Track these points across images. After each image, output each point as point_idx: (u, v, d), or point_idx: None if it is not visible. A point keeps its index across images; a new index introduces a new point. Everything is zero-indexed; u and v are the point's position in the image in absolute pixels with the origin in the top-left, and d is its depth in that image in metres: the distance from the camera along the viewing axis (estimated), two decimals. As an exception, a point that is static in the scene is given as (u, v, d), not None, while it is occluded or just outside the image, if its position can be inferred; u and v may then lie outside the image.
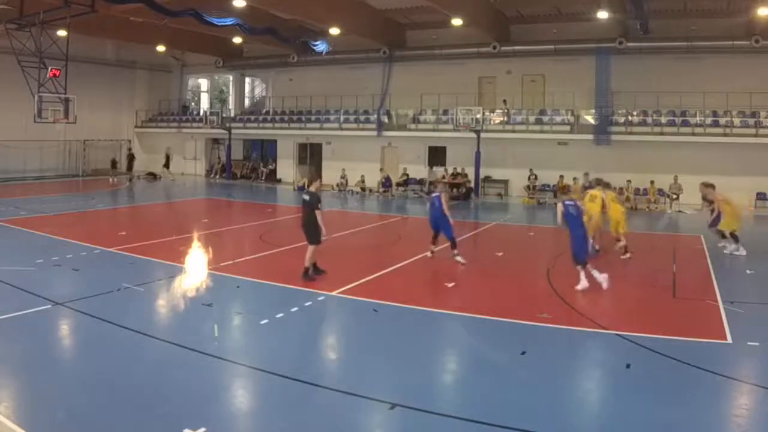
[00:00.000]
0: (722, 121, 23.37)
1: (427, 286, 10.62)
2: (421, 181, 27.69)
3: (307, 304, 9.10)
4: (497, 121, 26.88)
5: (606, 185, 13.19)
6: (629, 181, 23.27)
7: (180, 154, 35.63)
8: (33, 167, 30.00)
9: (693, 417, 5.71)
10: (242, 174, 33.27)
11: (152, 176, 32.50)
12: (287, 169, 31.94)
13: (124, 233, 14.98)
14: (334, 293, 9.63)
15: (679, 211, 21.91)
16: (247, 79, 39.35)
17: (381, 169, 27.87)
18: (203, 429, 5.10)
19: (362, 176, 27.66)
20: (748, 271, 12.03)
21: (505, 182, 26.91)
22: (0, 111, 27.54)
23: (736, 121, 23.21)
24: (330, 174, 29.90)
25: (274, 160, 32.87)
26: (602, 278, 10.00)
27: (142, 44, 31.04)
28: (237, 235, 16.08)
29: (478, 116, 25.07)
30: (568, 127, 25.67)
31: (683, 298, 10.01)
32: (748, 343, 7.58)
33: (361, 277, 10.73)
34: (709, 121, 23.49)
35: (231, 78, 39.35)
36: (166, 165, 31.82)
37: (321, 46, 28.26)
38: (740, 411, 5.94)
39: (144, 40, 29.70)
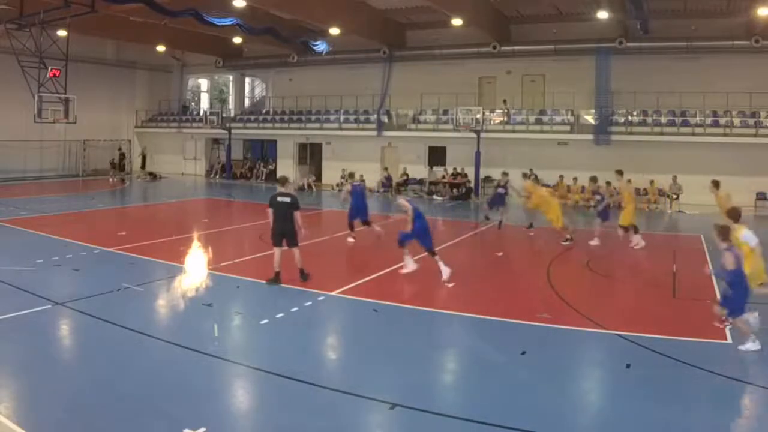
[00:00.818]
0: (722, 121, 23.37)
1: (427, 286, 10.61)
2: (421, 181, 27.70)
3: (307, 304, 9.10)
4: (497, 121, 26.88)
5: (536, 179, 15.45)
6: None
7: (179, 154, 35.67)
8: (33, 167, 29.98)
9: (693, 417, 5.71)
10: (242, 174, 33.28)
11: (152, 176, 32.51)
12: (287, 169, 31.91)
13: (124, 233, 14.98)
14: (334, 293, 9.63)
15: (679, 211, 21.91)
16: (247, 79, 39.35)
17: (385, 168, 27.86)
18: (203, 429, 5.11)
19: (361, 176, 27.60)
20: (747, 271, 11.99)
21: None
22: (0, 111, 27.52)
23: (736, 121, 23.21)
24: (330, 174, 29.96)
25: (274, 160, 32.87)
26: (445, 270, 10.52)
27: (142, 44, 31.03)
28: (237, 235, 16.07)
29: (478, 116, 25.07)
30: (568, 127, 25.66)
31: (683, 298, 10.01)
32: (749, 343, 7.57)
33: (361, 277, 10.73)
34: (709, 121, 23.48)
35: (231, 78, 39.35)
36: (142, 165, 31.17)
37: (321, 46, 28.26)
38: (740, 411, 5.94)
39: (144, 40, 29.68)
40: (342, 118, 30.30)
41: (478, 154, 25.82)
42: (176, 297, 9.56)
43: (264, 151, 34.82)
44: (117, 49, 34.21)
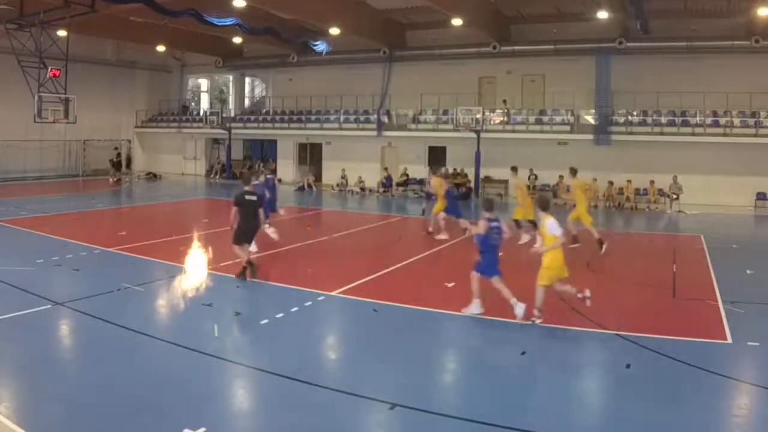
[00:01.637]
0: (722, 121, 23.37)
1: (427, 286, 10.61)
2: (421, 181, 27.69)
3: (307, 304, 9.10)
4: (497, 121, 26.87)
5: (445, 176, 16.10)
6: (629, 181, 23.26)
7: (179, 154, 35.68)
8: (33, 167, 29.97)
9: (693, 417, 5.71)
10: (242, 174, 33.23)
11: (152, 176, 32.51)
12: (287, 169, 31.93)
13: (124, 233, 14.98)
14: (334, 293, 9.62)
15: (679, 211, 21.91)
16: (247, 79, 39.35)
17: (385, 168, 27.87)
18: (203, 429, 5.10)
19: (359, 177, 27.71)
20: (748, 271, 12.02)
21: (505, 182, 26.83)
22: (0, 111, 27.52)
23: (736, 121, 23.21)
24: (330, 174, 29.96)
25: (274, 160, 32.84)
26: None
27: (142, 44, 31.05)
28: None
29: (478, 116, 25.07)
30: (568, 127, 25.66)
31: (683, 298, 10.01)
32: (748, 343, 7.58)
33: (361, 277, 10.72)
34: (709, 121, 23.48)
35: (231, 78, 39.35)
36: (120, 165, 30.61)
37: (321, 46, 28.26)
38: (740, 411, 5.95)
39: (144, 40, 29.70)
40: (342, 118, 30.31)
41: (478, 154, 25.82)
42: (176, 297, 9.56)
43: (264, 151, 34.82)
44: (117, 49, 34.21)
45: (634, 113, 24.91)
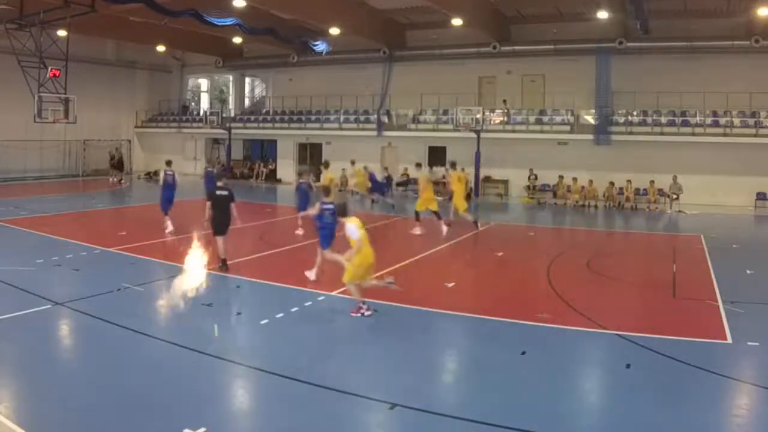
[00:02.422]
0: (722, 121, 23.37)
1: (427, 286, 10.61)
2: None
3: (307, 304, 9.11)
4: (497, 121, 26.87)
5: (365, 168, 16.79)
6: (629, 181, 23.25)
7: (179, 154, 35.63)
8: (33, 167, 29.97)
9: (693, 417, 5.71)
10: (242, 174, 33.27)
11: (150, 176, 32.50)
12: (287, 169, 31.93)
13: (124, 233, 14.98)
14: (334, 293, 9.62)
15: (679, 211, 21.91)
16: (247, 79, 39.33)
17: (385, 168, 27.83)
18: (203, 429, 5.10)
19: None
20: (748, 271, 12.03)
21: (505, 182, 26.91)
22: (0, 111, 27.52)
23: (736, 121, 23.21)
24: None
25: (274, 160, 32.87)
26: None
27: (142, 44, 31.04)
28: (237, 235, 15.98)
29: (478, 116, 25.07)
30: (568, 127, 25.66)
31: (683, 298, 10.01)
32: (748, 343, 7.58)
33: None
34: (709, 121, 23.48)
35: (231, 78, 39.33)
36: (118, 166, 30.13)
37: (321, 46, 28.25)
38: (740, 411, 5.94)
39: (144, 40, 29.69)
40: (342, 118, 30.31)
41: (478, 154, 25.82)
42: (176, 297, 9.56)
43: (264, 151, 34.81)
44: (117, 49, 34.21)
45: (634, 113, 24.92)
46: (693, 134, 23.30)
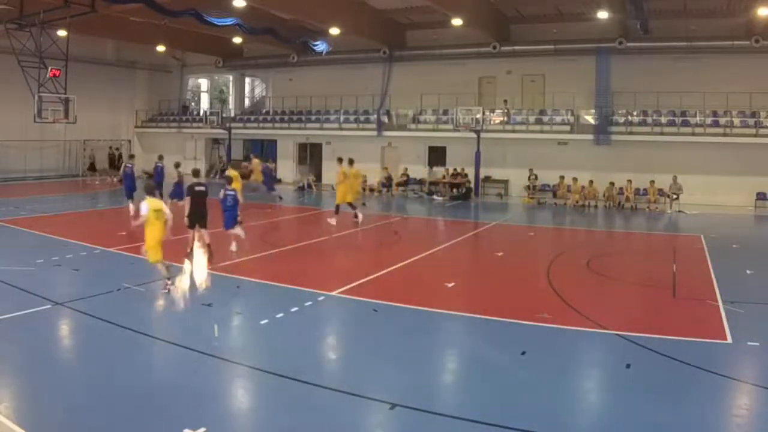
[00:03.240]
0: (722, 121, 23.37)
1: (427, 286, 10.61)
2: (421, 181, 27.70)
3: (307, 304, 9.10)
4: (497, 121, 26.86)
5: (236, 165, 17.53)
6: (629, 181, 23.25)
7: (179, 154, 35.58)
8: (33, 167, 29.97)
9: (693, 417, 5.71)
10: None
11: (149, 175, 32.51)
12: (287, 169, 31.92)
13: (124, 233, 14.97)
14: (334, 293, 9.63)
15: (679, 211, 21.91)
16: (247, 79, 39.33)
17: (385, 168, 27.85)
18: (203, 429, 5.10)
19: (363, 176, 27.52)
20: (748, 271, 12.03)
21: (505, 182, 26.90)
22: (0, 111, 27.51)
23: (736, 121, 23.21)
24: (330, 174, 29.89)
25: (274, 160, 32.82)
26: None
27: (142, 44, 31.02)
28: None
29: (478, 116, 25.05)
30: (568, 127, 25.66)
31: (683, 298, 10.01)
32: (748, 343, 7.58)
33: (361, 277, 10.72)
34: (709, 121, 23.48)
35: (231, 78, 39.33)
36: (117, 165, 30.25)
37: (321, 46, 28.24)
38: (740, 411, 5.94)
39: (144, 40, 29.67)
40: (342, 118, 30.30)
41: (478, 154, 25.81)
42: (176, 297, 9.56)
43: (264, 151, 34.79)
44: (117, 49, 34.19)
45: (634, 113, 24.91)
46: (693, 134, 23.30)
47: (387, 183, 26.78)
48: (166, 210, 9.64)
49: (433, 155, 28.34)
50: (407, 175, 27.70)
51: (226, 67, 34.80)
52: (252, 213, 19.11)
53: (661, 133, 23.95)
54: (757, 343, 7.53)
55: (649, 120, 24.47)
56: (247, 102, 39.25)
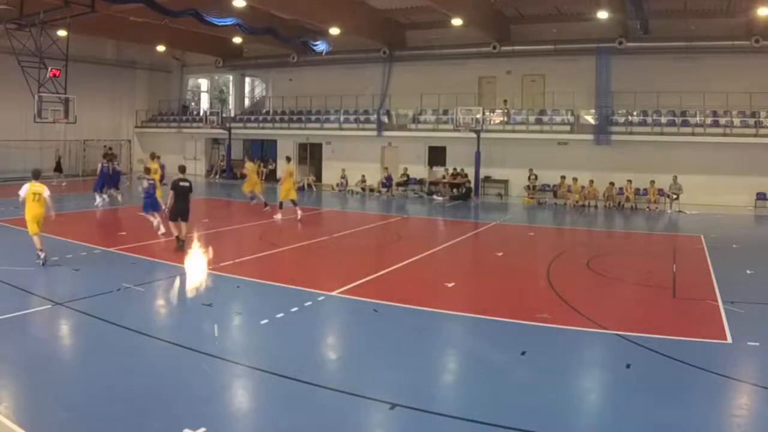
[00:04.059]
0: (722, 121, 23.37)
1: (427, 286, 10.61)
2: (421, 181, 27.71)
3: (307, 304, 9.10)
4: (497, 121, 26.88)
5: (158, 157, 18.07)
6: (629, 181, 23.26)
7: (180, 154, 35.63)
8: (33, 167, 29.86)
9: (693, 417, 5.71)
10: (242, 174, 33.20)
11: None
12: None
13: (124, 233, 14.98)
14: (334, 293, 9.62)
15: (679, 211, 21.91)
16: (247, 79, 39.34)
17: (385, 168, 27.86)
18: (203, 429, 5.10)
19: (362, 176, 27.63)
20: (748, 271, 12.03)
21: (505, 182, 26.92)
22: (0, 111, 27.50)
23: (736, 121, 23.21)
24: (330, 174, 29.95)
25: (274, 161, 32.85)
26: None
27: (142, 44, 31.04)
28: (237, 235, 16.06)
29: (478, 116, 25.06)
30: (568, 127, 25.67)
31: (683, 298, 10.01)
32: (748, 343, 7.58)
33: (361, 277, 10.72)
34: (709, 121, 23.49)
35: (231, 78, 39.34)
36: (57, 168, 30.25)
37: (321, 46, 28.24)
38: (740, 411, 5.94)
39: (144, 40, 29.69)
40: (342, 118, 30.31)
41: (478, 154, 25.82)
42: (176, 297, 9.56)
43: (264, 151, 34.81)
44: (117, 49, 34.20)
45: (634, 113, 24.92)
46: (693, 134, 23.30)
47: (387, 183, 26.80)
48: (46, 193, 11.19)
49: (433, 155, 28.35)
50: (407, 175, 27.71)
51: (226, 67, 34.81)
52: (252, 213, 19.11)
53: (661, 133, 23.96)
54: (757, 343, 7.53)
55: (649, 120, 24.48)
56: (247, 102, 39.26)
